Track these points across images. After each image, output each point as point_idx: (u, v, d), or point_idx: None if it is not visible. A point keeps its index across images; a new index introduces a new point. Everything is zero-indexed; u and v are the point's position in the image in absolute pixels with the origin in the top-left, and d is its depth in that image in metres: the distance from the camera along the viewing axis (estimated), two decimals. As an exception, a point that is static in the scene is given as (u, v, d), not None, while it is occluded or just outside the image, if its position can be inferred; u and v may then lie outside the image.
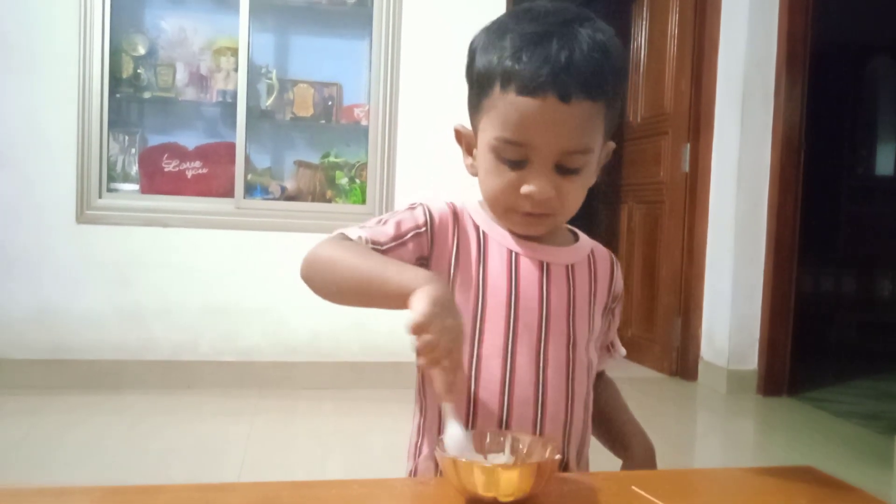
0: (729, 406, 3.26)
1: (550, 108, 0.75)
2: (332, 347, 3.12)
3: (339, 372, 3.12)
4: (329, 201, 3.26)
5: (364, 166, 3.23)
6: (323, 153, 3.32)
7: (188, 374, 3.02)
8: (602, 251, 0.94)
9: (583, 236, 0.93)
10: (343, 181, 3.29)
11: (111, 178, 3.05)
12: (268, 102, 3.24)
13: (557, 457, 0.65)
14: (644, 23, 4.00)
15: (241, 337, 3.08)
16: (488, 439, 0.70)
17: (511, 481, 0.61)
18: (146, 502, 0.64)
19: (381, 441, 2.44)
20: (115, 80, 3.02)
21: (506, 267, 0.84)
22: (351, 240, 0.80)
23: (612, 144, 0.87)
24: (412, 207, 0.85)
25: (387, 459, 2.19)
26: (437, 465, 0.83)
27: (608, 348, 0.98)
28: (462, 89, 0.87)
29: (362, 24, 3.24)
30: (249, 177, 3.16)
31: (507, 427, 0.81)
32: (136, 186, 3.11)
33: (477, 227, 0.86)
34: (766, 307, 3.35)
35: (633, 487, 0.69)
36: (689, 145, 3.60)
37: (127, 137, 3.14)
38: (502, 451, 0.70)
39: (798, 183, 3.34)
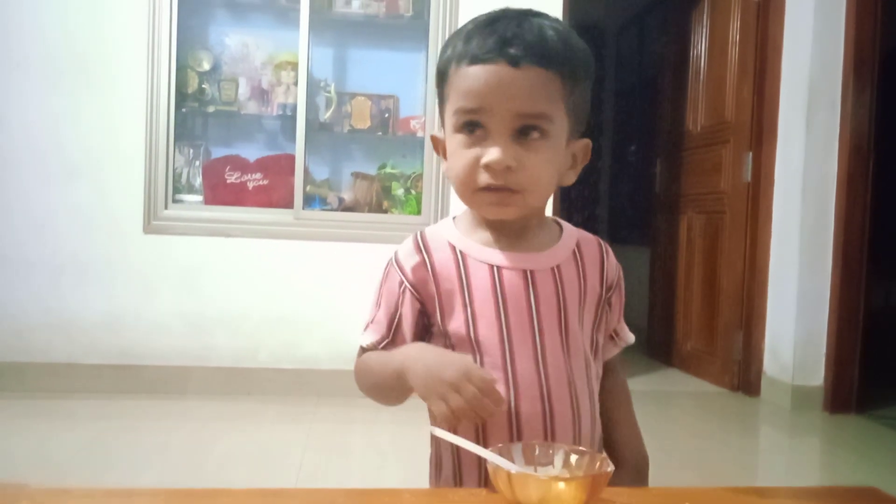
0: (793, 423, 3.15)
1: (501, 72, 0.78)
2: (388, 356, 3.14)
3: (394, 381, 3.13)
4: (385, 212, 3.30)
5: (419, 177, 3.26)
6: (379, 164, 3.37)
7: (249, 381, 3.09)
8: (588, 240, 0.92)
9: (567, 228, 0.91)
10: (399, 192, 3.33)
11: (176, 190, 3.16)
12: (326, 115, 3.30)
13: (610, 469, 0.65)
14: (704, 30, 3.93)
15: (300, 345, 3.14)
16: (537, 452, 0.70)
17: (566, 494, 0.61)
18: (207, 505, 0.66)
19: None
20: (181, 94, 3.13)
21: (489, 283, 0.84)
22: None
23: (586, 141, 0.87)
24: (386, 273, 0.88)
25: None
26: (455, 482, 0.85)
27: (612, 337, 0.94)
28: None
29: (419, 36, 3.28)
30: (308, 188, 3.23)
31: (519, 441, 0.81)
32: (199, 197, 3.21)
33: (454, 248, 0.86)
34: (834, 321, 3.23)
35: (688, 504, 0.68)
36: (751, 154, 3.51)
37: (191, 150, 3.25)
38: (551, 463, 0.70)
39: (867, 191, 3.22)
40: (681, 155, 4.11)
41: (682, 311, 4.06)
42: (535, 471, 0.68)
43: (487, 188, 0.80)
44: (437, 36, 3.15)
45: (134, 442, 2.50)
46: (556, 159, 0.83)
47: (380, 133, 3.34)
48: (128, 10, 3.00)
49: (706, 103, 3.90)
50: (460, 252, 0.85)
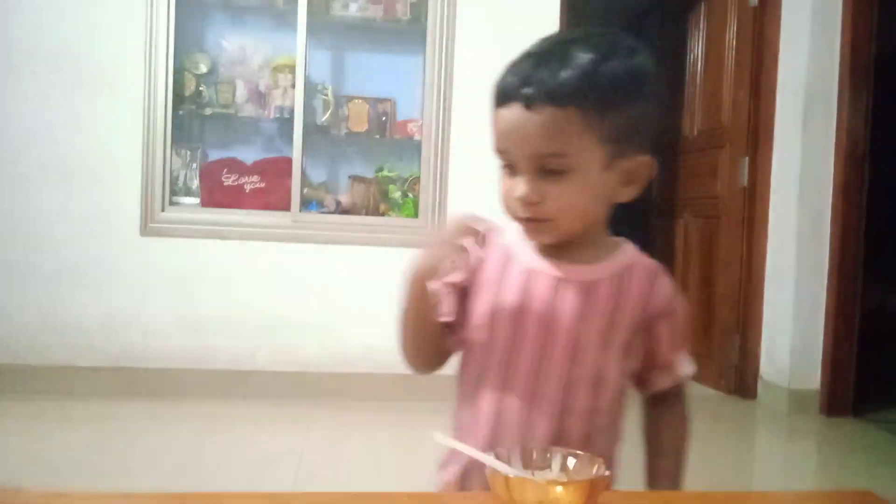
0: (790, 426, 3.16)
1: (516, 116, 0.81)
2: (387, 359, 3.12)
3: (393, 384, 3.13)
4: (382, 215, 3.30)
5: (417, 180, 3.26)
6: (377, 167, 3.37)
7: (246, 383, 3.08)
8: (644, 265, 0.91)
9: (625, 251, 0.91)
10: (396, 195, 3.33)
11: (173, 192, 3.15)
12: (324, 118, 3.30)
13: (608, 473, 0.65)
14: (700, 34, 3.94)
15: (297, 348, 3.14)
16: (535, 455, 0.70)
17: (564, 498, 0.61)
18: (204, 509, 0.66)
19: (434, 454, 2.45)
20: (178, 97, 3.13)
21: (519, 284, 0.88)
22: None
23: (643, 159, 0.87)
24: None
25: (438, 472, 2.20)
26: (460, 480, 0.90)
27: (664, 368, 0.93)
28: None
29: (416, 40, 3.28)
30: (305, 191, 3.23)
31: (494, 435, 0.87)
32: (196, 200, 3.21)
33: (506, 247, 0.91)
34: (830, 324, 3.24)
35: (685, 508, 0.68)
36: (747, 158, 3.52)
37: (189, 152, 3.25)
38: (549, 467, 0.70)
39: (863, 195, 3.23)
40: (677, 159, 4.11)
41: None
42: (533, 475, 0.68)
43: (525, 218, 0.86)
44: (435, 40, 3.15)
45: (131, 444, 2.50)
46: (589, 188, 0.84)
47: (377, 136, 3.34)
48: (125, 13, 3.00)
49: (702, 107, 3.91)
50: (510, 251, 0.90)
